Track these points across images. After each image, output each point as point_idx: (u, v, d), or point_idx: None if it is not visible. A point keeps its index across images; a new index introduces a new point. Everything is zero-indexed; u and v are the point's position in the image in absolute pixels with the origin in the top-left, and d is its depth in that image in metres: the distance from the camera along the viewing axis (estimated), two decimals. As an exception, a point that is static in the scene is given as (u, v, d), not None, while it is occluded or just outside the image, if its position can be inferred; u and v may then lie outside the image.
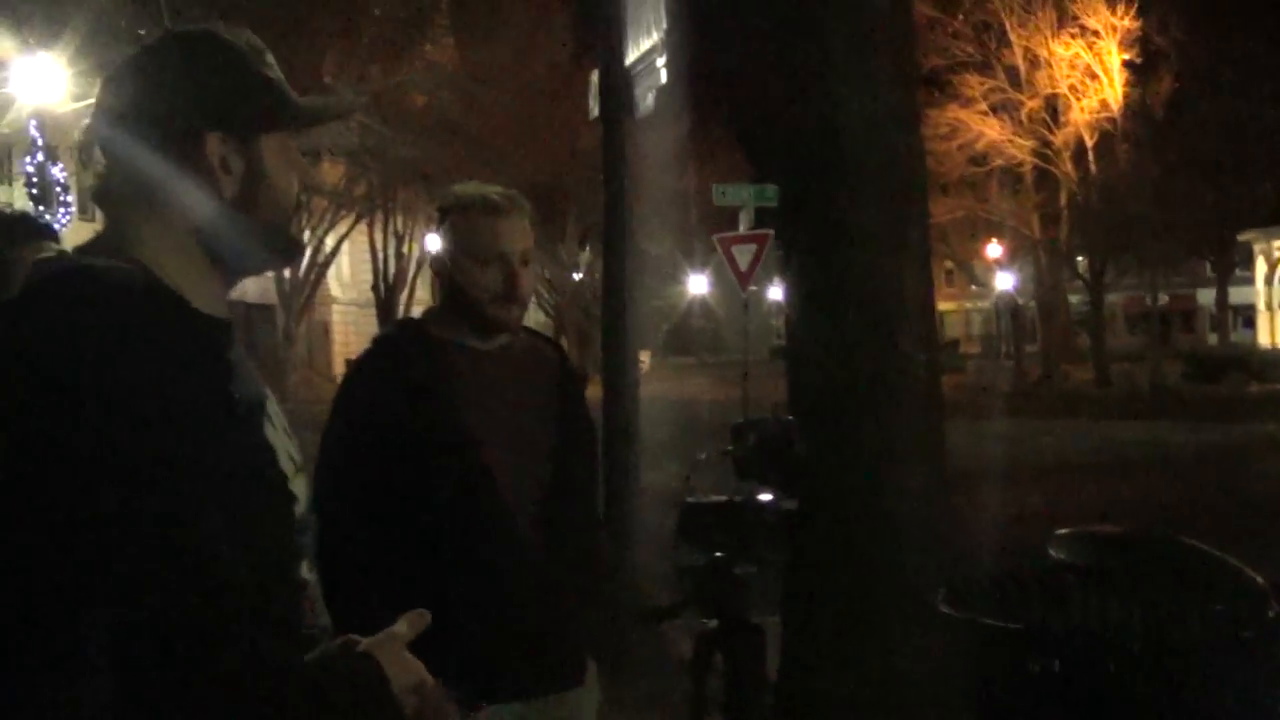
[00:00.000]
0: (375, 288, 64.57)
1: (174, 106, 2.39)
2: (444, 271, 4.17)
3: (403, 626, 2.48)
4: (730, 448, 3.12)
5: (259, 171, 2.44)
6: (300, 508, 2.48)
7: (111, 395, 2.06)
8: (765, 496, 3.09)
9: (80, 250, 2.41)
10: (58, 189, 30.99)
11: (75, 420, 2.05)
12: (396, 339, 4.35)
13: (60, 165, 31.03)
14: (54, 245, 4.34)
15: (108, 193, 2.43)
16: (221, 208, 2.40)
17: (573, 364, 4.54)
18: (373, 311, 66.90)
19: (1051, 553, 4.28)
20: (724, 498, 3.12)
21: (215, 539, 2.08)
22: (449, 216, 4.16)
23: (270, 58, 2.54)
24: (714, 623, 3.26)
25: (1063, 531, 4.37)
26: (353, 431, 4.12)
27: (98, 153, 2.43)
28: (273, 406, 2.52)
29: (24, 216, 5.01)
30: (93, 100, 2.47)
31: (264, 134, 2.47)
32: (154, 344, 2.13)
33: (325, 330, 72.09)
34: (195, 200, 2.38)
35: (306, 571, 2.51)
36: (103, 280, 2.21)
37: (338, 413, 4.18)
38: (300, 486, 2.49)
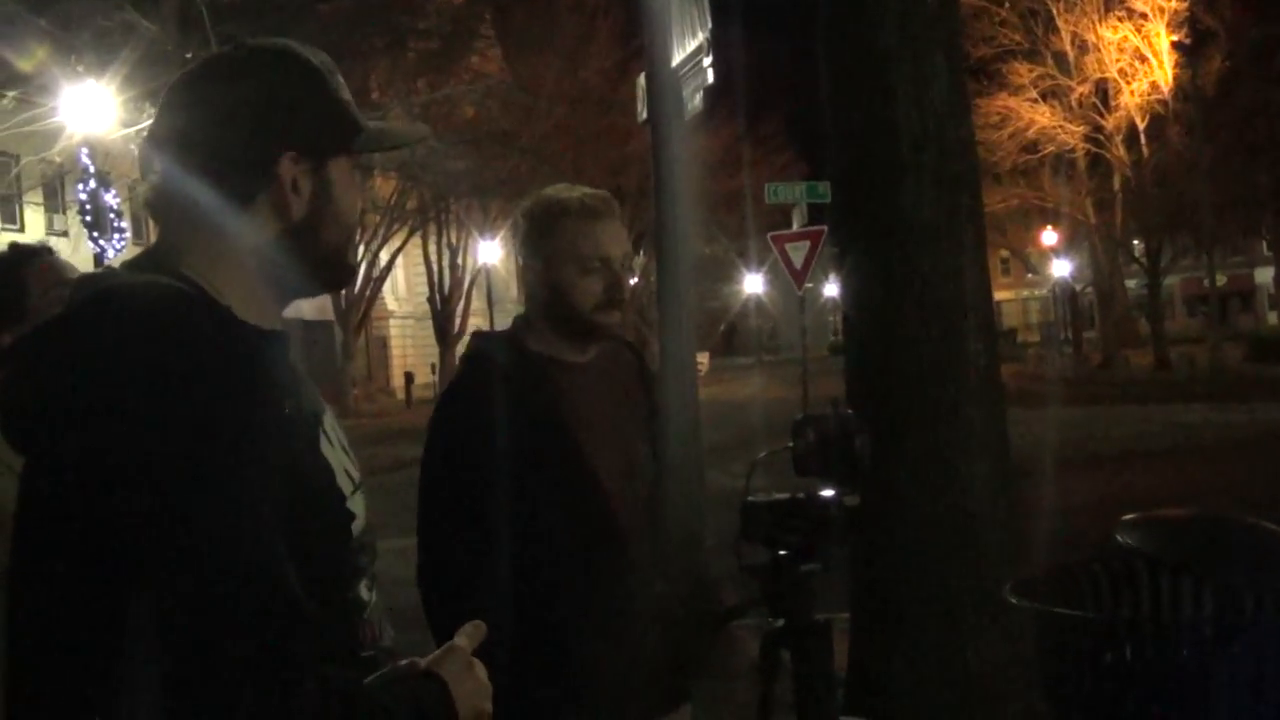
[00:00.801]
0: (431, 300, 64.76)
1: (249, 123, 2.36)
2: (540, 280, 4.02)
3: (462, 639, 2.46)
4: (790, 444, 3.09)
5: (328, 194, 2.41)
6: (358, 525, 2.46)
7: (154, 413, 2.04)
8: (827, 492, 3.06)
9: (129, 265, 2.38)
10: (111, 215, 31.14)
11: (118, 441, 2.03)
12: (490, 356, 4.13)
13: (113, 191, 31.20)
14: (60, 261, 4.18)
15: (164, 204, 2.40)
16: (286, 229, 2.38)
17: (647, 362, 4.47)
18: (429, 324, 67.13)
19: (1119, 539, 4.24)
20: (785, 495, 3.09)
21: (270, 555, 2.06)
22: (540, 222, 4.01)
23: (340, 79, 2.50)
24: (780, 622, 3.24)
25: (1130, 517, 4.32)
26: (454, 456, 4.00)
27: (156, 162, 2.40)
28: (330, 422, 2.49)
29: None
30: (143, 126, 2.44)
31: (335, 157, 2.45)
32: (199, 359, 2.11)
33: (383, 344, 72.41)
34: (261, 220, 2.36)
35: (366, 591, 2.49)
36: (145, 296, 2.19)
37: (437, 436, 4.06)
38: (358, 504, 2.47)
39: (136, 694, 2.03)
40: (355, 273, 2.64)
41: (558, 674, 3.87)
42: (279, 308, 2.46)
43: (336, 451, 2.46)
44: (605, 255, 3.94)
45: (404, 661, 2.43)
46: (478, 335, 4.38)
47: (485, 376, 4.02)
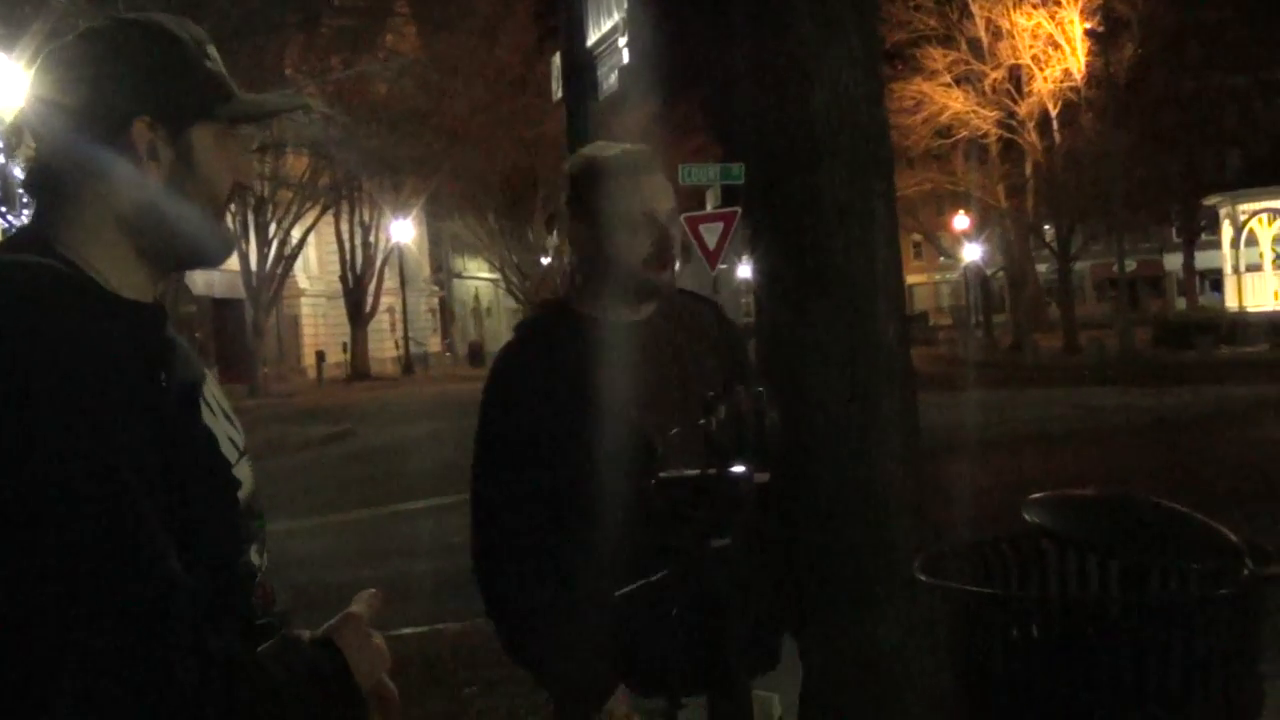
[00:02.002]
0: (343, 278, 64.55)
1: (101, 90, 2.36)
2: (585, 241, 3.91)
3: (358, 607, 2.47)
4: (702, 421, 3.11)
5: (188, 161, 2.41)
6: (245, 492, 2.46)
7: (14, 392, 2.04)
8: (738, 469, 3.07)
9: (2, 245, 2.39)
10: (19, 191, 30.78)
11: None
12: (541, 322, 4.09)
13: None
14: None
15: (37, 180, 2.41)
16: (147, 197, 2.37)
17: (729, 318, 4.37)
18: (341, 302, 66.92)
19: (1026, 517, 4.28)
20: (696, 471, 3.10)
21: (147, 526, 2.06)
22: (581, 182, 3.92)
23: (211, 49, 2.50)
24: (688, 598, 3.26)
25: (1037, 496, 4.37)
26: (509, 425, 3.89)
27: (28, 137, 2.41)
28: (212, 392, 2.49)
29: None
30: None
31: (196, 125, 2.43)
32: (65, 335, 2.11)
33: (295, 323, 72.06)
34: (122, 187, 2.36)
35: (256, 556, 2.48)
36: (7, 277, 2.19)
37: (491, 406, 3.94)
38: (244, 471, 2.47)
39: (12, 672, 2.04)
40: (230, 246, 2.62)
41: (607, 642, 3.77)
42: (154, 280, 2.45)
43: (219, 419, 2.46)
44: (650, 210, 3.86)
45: (305, 634, 2.44)
46: (535, 304, 4.36)
47: (535, 343, 3.99)
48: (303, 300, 72.72)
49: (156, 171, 2.38)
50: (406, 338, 75.17)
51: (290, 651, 2.31)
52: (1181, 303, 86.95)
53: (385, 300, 70.06)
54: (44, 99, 2.38)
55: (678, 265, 3.96)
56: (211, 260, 2.55)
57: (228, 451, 2.43)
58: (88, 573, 2.00)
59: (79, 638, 1.99)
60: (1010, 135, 61.35)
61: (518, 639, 3.89)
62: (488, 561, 3.90)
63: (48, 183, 2.39)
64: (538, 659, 3.89)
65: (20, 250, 2.29)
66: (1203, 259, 78.96)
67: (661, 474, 3.15)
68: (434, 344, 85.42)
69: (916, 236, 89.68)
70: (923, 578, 4.33)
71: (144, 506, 2.06)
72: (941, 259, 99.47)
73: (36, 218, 2.40)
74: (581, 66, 10.38)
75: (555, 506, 3.78)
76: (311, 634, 2.43)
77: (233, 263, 54.75)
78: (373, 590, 2.51)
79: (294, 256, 59.11)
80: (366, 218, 64.97)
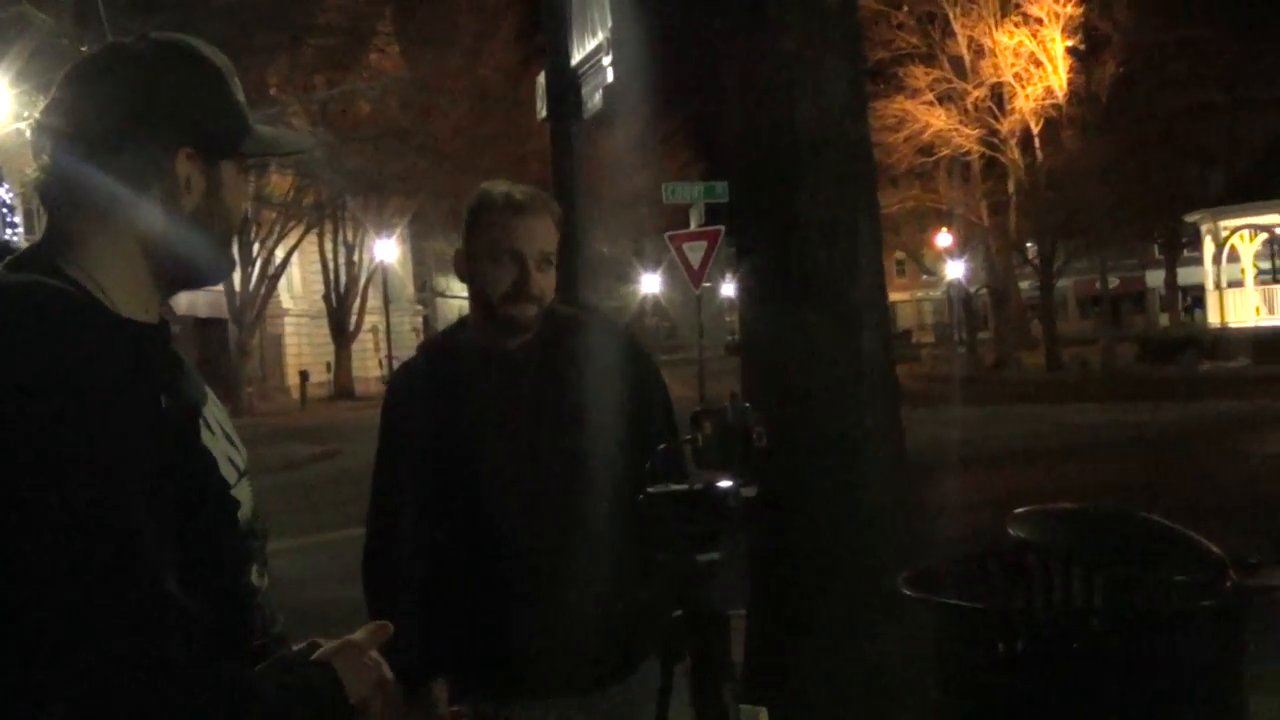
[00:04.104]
0: (326, 298, 64.43)
1: (149, 116, 2.34)
2: (461, 271, 4.20)
3: (361, 634, 2.48)
4: (688, 436, 3.13)
5: (217, 193, 2.42)
6: (245, 513, 2.46)
7: (17, 414, 2.04)
8: (725, 484, 3.09)
9: (8, 264, 2.34)
10: (4, 209, 30.77)
11: None
12: (437, 343, 4.50)
13: (5, 186, 30.79)
14: None
15: (53, 192, 2.38)
16: (173, 224, 2.37)
17: (638, 343, 4.59)
18: (325, 322, 66.78)
19: (1011, 532, 4.30)
20: (683, 487, 3.12)
21: (145, 547, 2.06)
22: (469, 214, 4.16)
23: (237, 80, 2.50)
24: (679, 613, 3.27)
25: (1022, 510, 4.39)
26: (389, 441, 4.29)
27: (47, 149, 2.37)
28: (214, 413, 2.50)
29: None
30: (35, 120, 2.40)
31: (228, 157, 2.45)
32: (66, 355, 2.11)
33: (278, 343, 71.82)
34: (152, 213, 2.35)
35: (257, 577, 2.49)
36: (14, 298, 2.18)
37: (382, 421, 4.33)
38: (244, 492, 2.48)
39: (9, 691, 2.04)
40: (233, 266, 2.65)
41: (486, 658, 4.12)
42: (161, 299, 2.45)
43: (219, 440, 2.47)
44: (516, 248, 4.04)
45: (299, 646, 2.44)
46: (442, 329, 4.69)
47: (416, 365, 4.36)
48: (286, 320, 72.51)
49: (189, 201, 2.38)
50: (390, 357, 75.03)
51: (286, 672, 2.32)
52: (1164, 319, 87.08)
53: (369, 319, 69.87)
54: (76, 116, 2.35)
55: (537, 307, 4.13)
56: (215, 281, 2.59)
57: (227, 472, 2.43)
58: (86, 592, 2.00)
59: (76, 657, 1.99)
60: (992, 153, 61.42)
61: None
62: (369, 549, 4.34)
63: (67, 197, 2.36)
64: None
65: (26, 269, 2.28)
66: (1185, 275, 79.05)
67: (649, 489, 3.17)
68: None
69: (900, 254, 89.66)
70: (909, 592, 4.35)
71: (142, 528, 2.06)
72: (925, 276, 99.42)
73: (47, 233, 2.37)
74: (566, 86, 10.36)
75: (422, 513, 4.16)
76: (303, 653, 2.44)
77: (217, 282, 54.63)
78: (382, 623, 2.52)
79: (278, 276, 58.96)
80: (350, 237, 64.86)
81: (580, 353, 4.20)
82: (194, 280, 2.53)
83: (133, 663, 2.00)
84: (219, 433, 2.48)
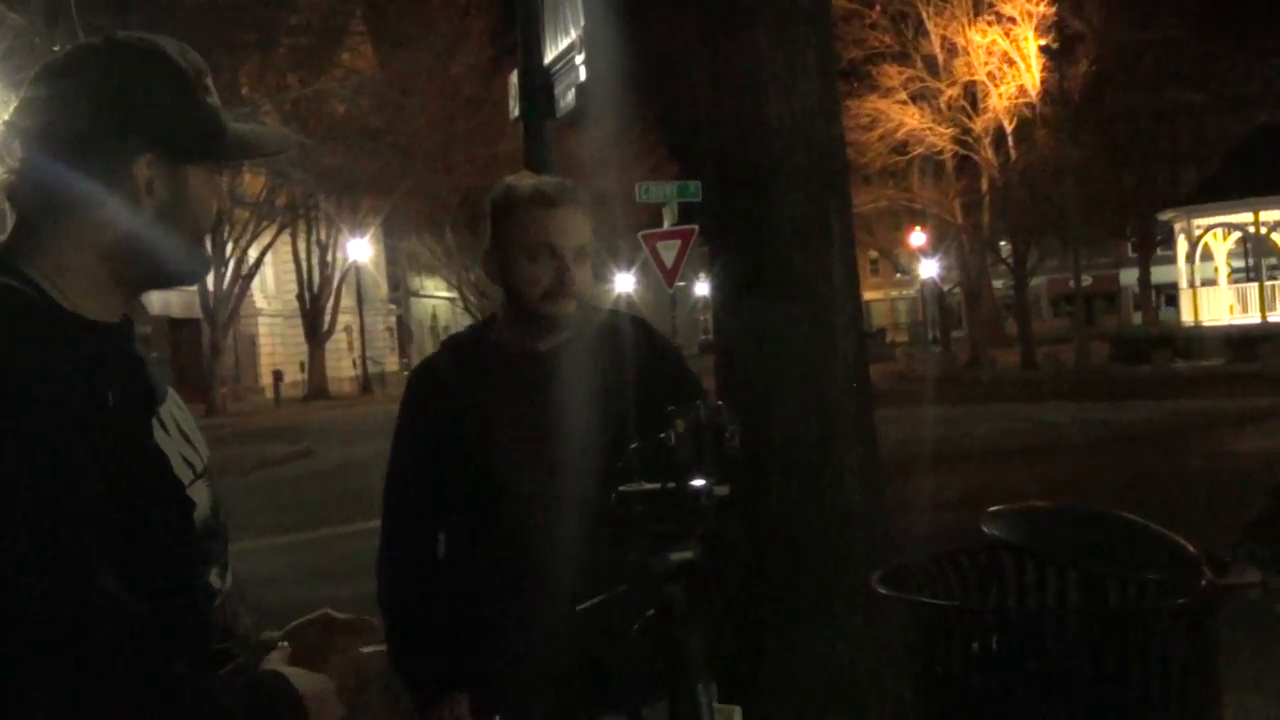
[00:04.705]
0: (300, 298, 64.38)
1: (107, 121, 2.33)
2: (493, 269, 4.04)
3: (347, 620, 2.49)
4: (661, 435, 3.11)
5: (182, 198, 2.39)
6: (201, 513, 2.43)
7: None
8: (698, 482, 3.08)
9: None
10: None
11: None
12: (460, 342, 4.26)
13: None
14: None
15: (21, 193, 2.37)
16: (135, 228, 2.35)
17: (662, 338, 4.39)
18: (299, 322, 66.76)
19: (985, 530, 4.30)
20: (656, 485, 3.10)
21: (84, 551, 2.05)
22: (496, 209, 4.02)
23: (209, 80, 2.47)
24: (651, 612, 3.25)
25: (996, 509, 4.39)
26: (408, 440, 4.16)
27: (15, 146, 2.36)
28: (172, 412, 2.46)
29: None
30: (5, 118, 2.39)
31: (195, 162, 2.43)
32: (3, 355, 2.11)
33: (252, 343, 71.81)
34: (111, 216, 2.33)
35: (217, 579, 2.46)
36: None
37: (400, 421, 4.20)
38: (200, 492, 2.44)
39: None
40: (208, 266, 2.61)
41: (486, 666, 4.01)
42: (125, 299, 2.44)
43: (174, 439, 2.43)
44: (552, 243, 3.90)
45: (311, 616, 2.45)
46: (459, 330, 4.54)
47: (440, 364, 4.18)
48: (260, 320, 72.47)
49: (150, 204, 2.36)
50: (364, 357, 75.02)
51: (244, 678, 2.30)
52: (1137, 317, 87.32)
53: (343, 319, 69.83)
54: (41, 118, 2.35)
55: (576, 301, 4.00)
56: (190, 281, 2.56)
57: (182, 472, 2.39)
58: (24, 599, 1.98)
59: (17, 665, 1.98)
60: (966, 152, 61.49)
61: (388, 632, 4.01)
62: (383, 555, 4.25)
63: (33, 198, 2.35)
64: (393, 653, 3.98)
65: None
66: (1158, 273, 79.26)
67: (621, 487, 3.15)
68: (392, 363, 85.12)
69: (873, 253, 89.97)
70: (883, 590, 4.34)
71: (81, 531, 2.05)
72: (898, 275, 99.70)
73: (13, 233, 2.36)
74: (538, 84, 10.37)
75: (445, 517, 4.11)
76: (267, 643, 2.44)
77: (190, 282, 54.60)
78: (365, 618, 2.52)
79: (251, 276, 58.92)
80: (324, 237, 64.80)
81: (614, 348, 4.07)
82: (163, 281, 2.51)
83: (80, 669, 1.99)
84: (174, 432, 2.44)
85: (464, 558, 4.05)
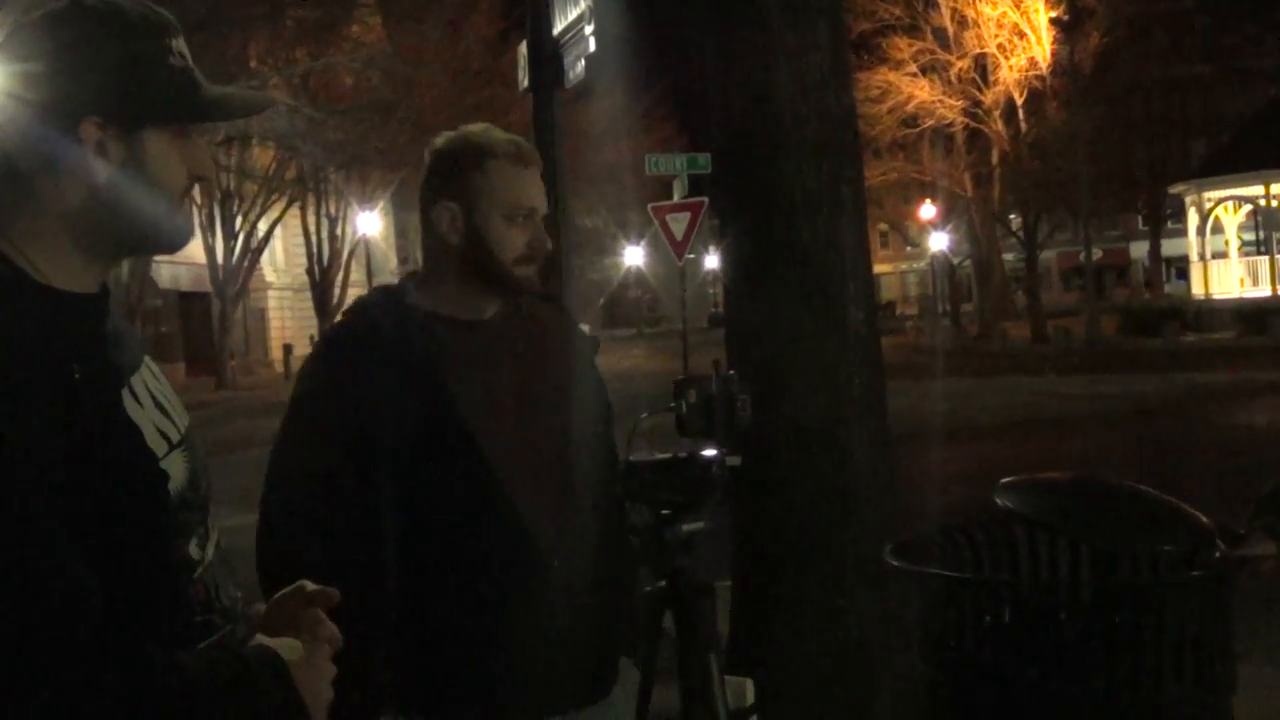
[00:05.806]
0: (310, 271, 64.32)
1: (55, 84, 2.28)
2: (453, 225, 3.64)
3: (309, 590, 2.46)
4: (671, 405, 3.09)
5: (139, 160, 2.32)
6: (177, 485, 2.40)
7: None
8: (709, 452, 3.06)
9: None
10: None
11: None
12: (367, 311, 3.73)
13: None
14: None
15: None
16: (93, 195, 2.30)
17: (578, 325, 4.06)
18: (308, 295, 66.67)
19: (997, 502, 4.28)
20: (668, 455, 3.08)
21: (41, 529, 2.02)
22: (461, 161, 3.69)
23: (176, 41, 2.40)
24: (663, 583, 3.24)
25: (1008, 480, 4.37)
26: (311, 421, 3.63)
27: None
28: (144, 384, 2.42)
29: None
30: None
31: (153, 124, 2.36)
32: None
33: (262, 316, 71.86)
34: (66, 181, 2.29)
35: (197, 550, 2.40)
36: None
37: (303, 401, 3.69)
38: (175, 464, 2.38)
39: None
40: (187, 234, 2.52)
41: (456, 663, 3.53)
42: (99, 268, 2.38)
43: (147, 410, 2.38)
44: (532, 206, 3.64)
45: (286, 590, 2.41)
46: (373, 289, 4.05)
47: (365, 331, 3.66)
48: (270, 293, 72.51)
49: (104, 168, 2.30)
50: (374, 330, 74.96)
51: (224, 653, 2.27)
52: (1147, 291, 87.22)
53: (352, 293, 69.51)
54: (3, 83, 2.31)
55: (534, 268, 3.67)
56: (166, 248, 2.45)
57: (155, 443, 2.34)
58: None
59: None
60: (976, 124, 61.39)
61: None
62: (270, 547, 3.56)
63: (3, 171, 2.32)
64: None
65: None
66: (1168, 247, 79.16)
67: (631, 457, 3.13)
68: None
69: (883, 226, 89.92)
70: (896, 563, 4.33)
71: (41, 510, 2.01)
72: (908, 248, 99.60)
73: None
74: (547, 55, 10.34)
75: (362, 500, 3.51)
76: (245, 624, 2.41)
77: (199, 256, 54.64)
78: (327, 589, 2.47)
79: (260, 249, 58.96)
80: (333, 210, 64.67)
81: (538, 326, 3.78)
82: (135, 249, 2.47)
83: (42, 650, 1.97)
84: (148, 404, 2.41)
85: (420, 550, 3.52)
